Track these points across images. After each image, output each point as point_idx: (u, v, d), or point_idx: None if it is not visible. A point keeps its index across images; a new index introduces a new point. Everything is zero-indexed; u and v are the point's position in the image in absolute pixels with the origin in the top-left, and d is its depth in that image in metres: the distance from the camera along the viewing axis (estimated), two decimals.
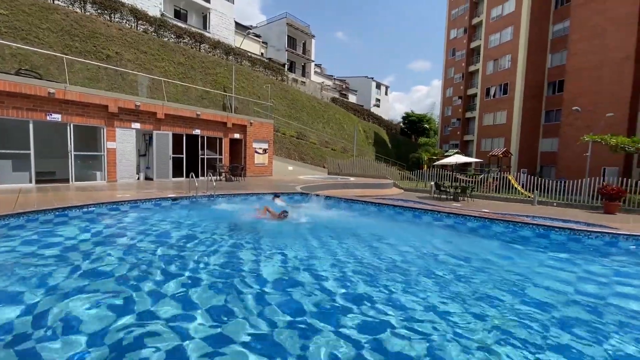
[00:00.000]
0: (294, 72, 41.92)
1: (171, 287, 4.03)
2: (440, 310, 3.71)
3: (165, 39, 23.03)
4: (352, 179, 20.32)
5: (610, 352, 3.02)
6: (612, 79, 25.40)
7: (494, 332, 3.28)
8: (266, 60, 34.83)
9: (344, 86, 58.56)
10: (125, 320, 3.12)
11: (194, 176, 10.49)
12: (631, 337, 3.32)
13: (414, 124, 51.95)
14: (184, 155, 15.67)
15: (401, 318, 3.47)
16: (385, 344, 2.95)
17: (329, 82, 54.49)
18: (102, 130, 13.00)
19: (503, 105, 34.31)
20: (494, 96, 35.71)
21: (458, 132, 44.20)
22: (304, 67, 45.64)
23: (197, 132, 16.25)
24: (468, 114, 42.55)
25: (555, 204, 14.77)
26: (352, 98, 55.98)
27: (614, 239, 6.99)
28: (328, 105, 37.68)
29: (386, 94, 66.78)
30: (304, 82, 40.23)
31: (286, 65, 39.77)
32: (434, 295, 4.15)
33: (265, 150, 19.72)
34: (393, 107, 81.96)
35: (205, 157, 16.85)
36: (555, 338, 3.22)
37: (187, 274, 4.51)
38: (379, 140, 42.86)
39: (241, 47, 31.03)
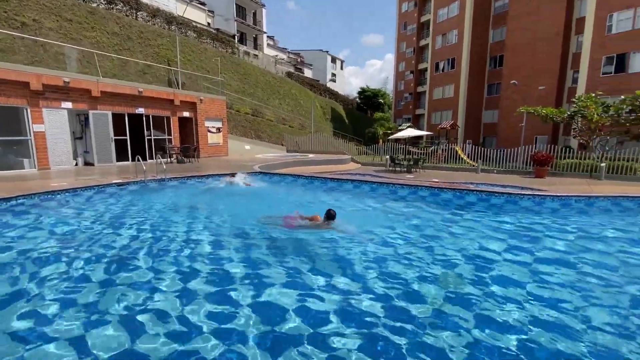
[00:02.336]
0: (245, 45, 39.73)
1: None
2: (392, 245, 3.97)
3: (94, 4, 20.31)
4: (311, 155, 20.34)
5: (538, 276, 3.48)
6: (544, 54, 27.65)
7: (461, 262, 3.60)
8: (214, 31, 32.47)
9: (298, 60, 57.00)
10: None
11: (140, 159, 9.76)
12: (554, 266, 3.87)
13: (369, 99, 52.62)
14: (128, 137, 14.43)
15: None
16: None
17: (283, 56, 52.64)
18: (25, 110, 11.40)
19: (451, 79, 35.90)
20: (442, 70, 37.17)
21: (410, 107, 45.76)
22: (255, 39, 43.39)
23: (141, 110, 14.96)
24: (419, 89, 44.02)
25: (495, 171, 16.18)
26: (307, 73, 54.86)
27: (542, 199, 7.90)
28: (283, 80, 36.60)
29: (342, 68, 66.37)
30: (257, 56, 38.42)
31: (236, 37, 37.47)
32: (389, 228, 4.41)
33: (219, 129, 18.84)
34: (349, 82, 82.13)
35: (152, 138, 15.68)
36: (497, 269, 3.64)
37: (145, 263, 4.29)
38: (336, 116, 42.98)
39: (184, 16, 28.49)
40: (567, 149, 17.51)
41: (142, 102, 14.93)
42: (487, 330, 2.88)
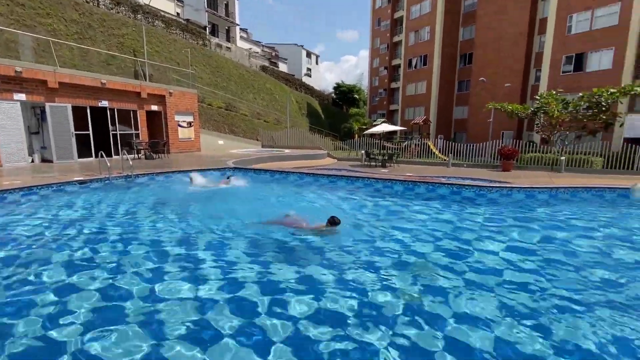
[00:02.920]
0: (217, 37, 38.51)
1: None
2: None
3: None
4: (287, 151, 20.13)
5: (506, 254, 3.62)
6: (509, 53, 28.92)
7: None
8: (183, 22, 31.19)
9: (273, 54, 56.09)
10: None
11: (104, 155, 9.20)
12: (522, 254, 4.04)
13: (344, 94, 52.83)
14: (91, 132, 13.58)
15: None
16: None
17: (257, 49, 51.60)
18: None
19: (423, 75, 36.76)
20: (415, 67, 37.97)
21: (385, 102, 46.45)
22: (228, 32, 42.17)
23: (105, 103, 14.11)
24: (393, 85, 44.74)
25: (465, 165, 16.77)
26: (282, 67, 54.15)
27: (509, 191, 8.26)
28: (257, 74, 35.91)
29: (317, 63, 66.08)
30: (229, 48, 37.40)
31: (207, 29, 36.21)
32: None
33: (190, 124, 18.18)
34: (324, 77, 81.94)
35: (118, 132, 14.86)
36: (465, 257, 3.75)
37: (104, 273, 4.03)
38: (312, 111, 42.82)
39: (151, 5, 27.11)
40: (531, 143, 18.49)
41: (105, 95, 14.08)
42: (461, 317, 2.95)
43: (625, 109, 19.68)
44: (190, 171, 10.15)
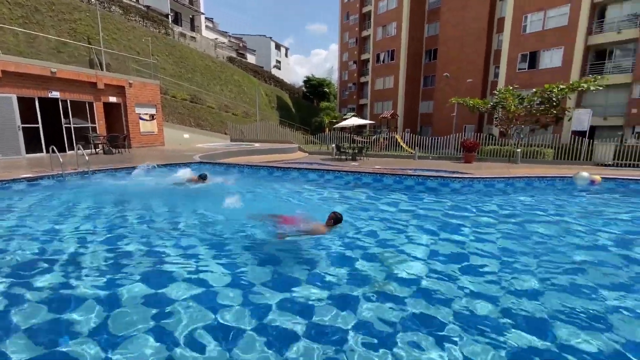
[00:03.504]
0: (181, 26, 36.74)
1: None
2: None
3: None
4: (257, 144, 19.80)
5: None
6: (471, 49, 30.21)
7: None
8: (143, 9, 29.43)
9: (241, 45, 54.54)
10: None
11: (55, 150, 8.54)
12: (484, 241, 4.30)
13: (315, 88, 52.68)
14: (40, 125, 12.51)
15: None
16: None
17: (224, 40, 49.90)
18: None
19: (391, 70, 37.49)
20: (383, 62, 38.60)
21: (354, 96, 46.94)
22: (192, 20, 40.35)
23: (56, 94, 13.03)
24: (362, 79, 45.26)
25: (430, 157, 17.45)
26: (251, 58, 52.87)
27: (470, 181, 8.72)
28: (225, 65, 34.79)
29: (286, 56, 65.17)
30: (194, 38, 35.86)
31: (170, 17, 34.44)
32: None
33: (152, 117, 17.30)
34: (294, 71, 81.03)
35: (72, 126, 13.81)
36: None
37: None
38: (283, 104, 42.33)
39: None
40: (491, 136, 19.56)
41: (56, 85, 13.00)
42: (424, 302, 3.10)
43: (573, 104, 21.36)
44: (155, 167, 9.70)
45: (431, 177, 9.05)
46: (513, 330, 2.70)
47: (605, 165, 13.68)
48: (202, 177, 8.23)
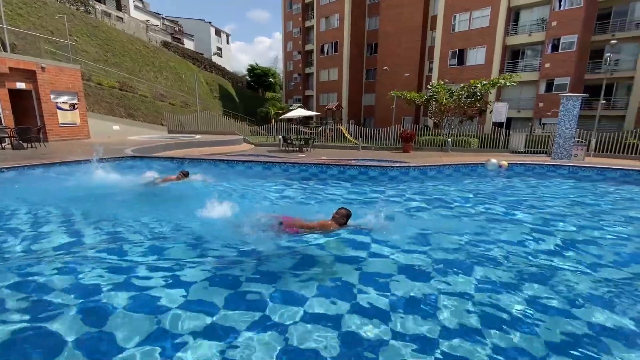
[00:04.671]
0: (104, 4, 32.86)
1: None
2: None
3: None
4: (198, 136, 18.78)
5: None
6: (408, 45, 31.95)
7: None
8: None
9: (176, 29, 50.61)
10: None
11: None
12: (417, 226, 4.72)
13: (259, 77, 51.24)
14: None
15: None
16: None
17: (157, 22, 45.84)
18: None
19: (335, 62, 38.04)
20: (327, 53, 38.97)
21: (300, 87, 46.77)
22: None
23: None
24: (308, 70, 45.22)
25: (373, 148, 18.30)
26: (188, 44, 49.43)
27: (406, 170, 9.39)
28: (159, 50, 32.10)
29: (228, 42, 62.15)
30: (121, 19, 32.41)
31: None
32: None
33: (74, 106, 15.36)
34: (236, 58, 77.78)
35: None
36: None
37: None
38: (225, 93, 40.53)
39: None
40: (426, 127, 21.12)
41: None
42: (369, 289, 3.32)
43: (494, 98, 23.96)
44: (78, 162, 8.70)
45: (373, 167, 9.55)
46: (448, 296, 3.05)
47: (519, 152, 15.70)
48: (185, 174, 7.32)
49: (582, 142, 13.61)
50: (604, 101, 20.54)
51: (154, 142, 14.44)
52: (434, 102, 19.20)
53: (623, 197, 7.64)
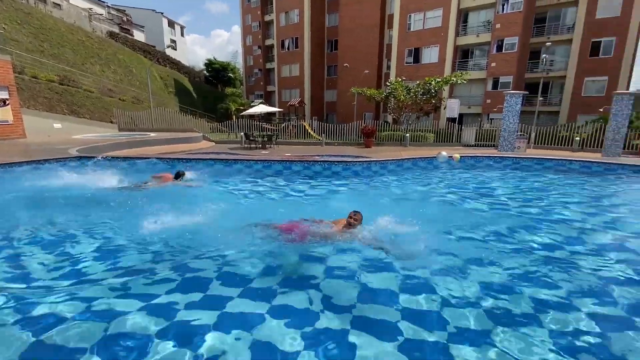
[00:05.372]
0: None
1: None
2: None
3: None
4: (152, 134, 17.76)
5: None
6: (367, 42, 32.65)
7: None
8: None
9: (124, 19, 47.06)
10: None
11: None
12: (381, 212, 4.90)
13: (218, 72, 49.40)
14: None
15: None
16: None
17: (101, 11, 42.28)
18: None
19: (296, 58, 37.82)
20: (288, 49, 38.62)
21: (261, 83, 45.93)
22: None
23: None
24: (268, 65, 44.50)
25: (336, 143, 18.55)
26: (138, 36, 46.25)
27: (368, 164, 9.67)
28: (105, 42, 29.70)
29: (182, 35, 59.07)
30: (59, 5, 29.48)
31: None
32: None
33: (5, 102, 13.76)
34: (193, 52, 74.38)
35: None
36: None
37: None
38: (182, 89, 38.62)
39: None
40: (386, 123, 21.82)
41: None
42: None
43: (447, 95, 25.34)
44: (10, 164, 7.84)
45: (336, 162, 9.71)
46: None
47: (470, 145, 16.82)
48: (180, 175, 6.90)
49: (523, 135, 14.92)
50: (541, 98, 22.61)
51: (103, 140, 13.42)
52: (392, 99, 19.88)
53: (555, 184, 8.55)
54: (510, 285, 3.25)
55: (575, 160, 10.58)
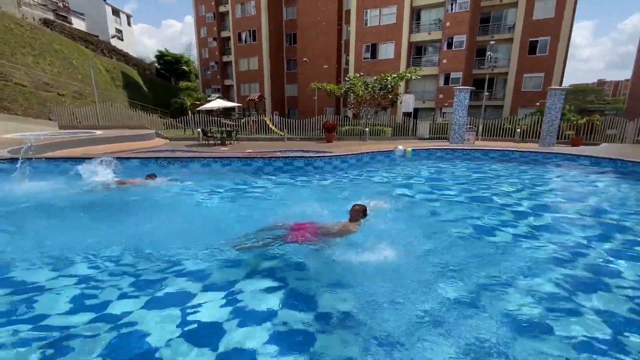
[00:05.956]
0: None
1: None
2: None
3: None
4: (99, 132, 16.46)
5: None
6: (325, 37, 32.77)
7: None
8: None
9: (61, 5, 42.62)
10: None
11: None
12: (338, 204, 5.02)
13: (171, 64, 46.67)
14: None
15: None
16: None
17: None
18: None
19: (254, 51, 36.93)
20: (245, 42, 37.58)
21: (218, 77, 44.28)
22: None
23: None
24: (225, 58, 42.97)
25: (298, 138, 18.55)
26: (78, 24, 42.23)
27: (329, 159, 9.82)
28: (38, 30, 26.73)
29: (129, 24, 54.90)
30: None
31: None
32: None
33: None
34: (142, 43, 69.51)
35: None
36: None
37: None
38: (131, 82, 36.02)
39: None
40: (346, 118, 22.19)
41: None
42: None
43: (403, 90, 26.32)
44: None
45: (298, 157, 9.73)
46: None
47: (424, 138, 17.69)
48: (151, 176, 6.58)
49: (472, 128, 16.01)
50: (487, 93, 24.37)
51: (41, 140, 12.18)
52: (351, 94, 20.25)
53: (500, 172, 9.33)
54: (459, 265, 3.53)
55: (517, 151, 11.60)
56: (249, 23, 36.41)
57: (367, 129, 17.75)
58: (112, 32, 47.35)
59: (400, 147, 8.96)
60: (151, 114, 25.30)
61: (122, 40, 49.18)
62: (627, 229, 4.83)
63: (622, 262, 3.71)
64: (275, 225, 4.25)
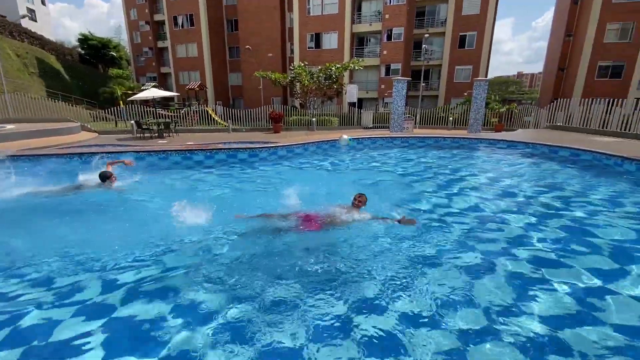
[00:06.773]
0: None
1: None
2: None
3: None
4: (10, 126, 14.34)
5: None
6: (268, 24, 31.93)
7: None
8: None
9: None
10: None
11: None
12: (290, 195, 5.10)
13: (97, 50, 41.73)
14: None
15: None
16: None
17: None
18: None
19: (192, 37, 34.66)
20: (182, 26, 35.09)
21: (153, 64, 40.92)
22: None
23: None
24: (160, 44, 39.77)
25: (244, 129, 18.08)
26: None
27: (275, 150, 9.80)
28: None
29: (44, 3, 47.75)
30: None
31: None
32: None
33: None
34: (62, 25, 61.07)
35: None
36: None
37: None
38: (49, 69, 31.64)
39: None
40: (294, 108, 22.11)
41: None
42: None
43: (347, 80, 26.92)
44: None
45: (242, 149, 9.54)
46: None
47: (368, 127, 18.42)
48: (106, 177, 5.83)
49: (410, 117, 17.04)
50: (424, 84, 26.02)
51: None
52: (297, 83, 20.19)
53: (434, 157, 10.17)
54: (401, 243, 3.86)
55: (449, 137, 12.66)
56: (185, 6, 33.94)
57: (314, 119, 17.91)
58: (22, 11, 40.85)
59: (345, 136, 9.27)
60: (75, 106, 22.65)
61: (35, 21, 42.90)
62: (534, 198, 5.70)
63: (531, 228, 4.38)
64: (285, 214, 4.51)
